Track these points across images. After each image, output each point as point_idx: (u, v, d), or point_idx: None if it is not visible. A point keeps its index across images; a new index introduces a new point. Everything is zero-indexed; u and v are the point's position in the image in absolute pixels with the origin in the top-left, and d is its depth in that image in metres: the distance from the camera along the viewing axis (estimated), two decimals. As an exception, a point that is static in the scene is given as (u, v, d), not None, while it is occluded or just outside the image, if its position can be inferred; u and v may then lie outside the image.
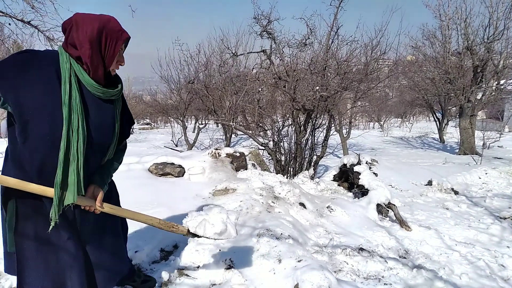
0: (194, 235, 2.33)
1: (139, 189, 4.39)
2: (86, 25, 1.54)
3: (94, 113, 1.64)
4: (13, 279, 2.47)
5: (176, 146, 15.23)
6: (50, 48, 7.72)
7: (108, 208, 1.77)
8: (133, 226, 3.22)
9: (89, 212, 1.73)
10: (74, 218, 1.74)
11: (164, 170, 5.27)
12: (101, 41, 1.57)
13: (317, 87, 5.97)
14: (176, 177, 5.24)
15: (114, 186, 2.06)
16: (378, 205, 4.91)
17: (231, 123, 8.67)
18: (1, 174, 1.62)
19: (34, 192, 1.56)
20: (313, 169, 6.54)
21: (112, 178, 1.94)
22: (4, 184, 1.55)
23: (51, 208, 1.56)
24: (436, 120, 18.88)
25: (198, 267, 2.83)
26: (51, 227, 1.57)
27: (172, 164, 5.35)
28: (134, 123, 2.06)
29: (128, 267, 2.18)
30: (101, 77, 1.63)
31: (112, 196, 1.99)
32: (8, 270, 1.86)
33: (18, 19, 7.02)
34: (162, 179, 5.13)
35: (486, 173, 7.78)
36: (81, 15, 1.58)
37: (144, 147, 15.38)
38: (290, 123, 6.87)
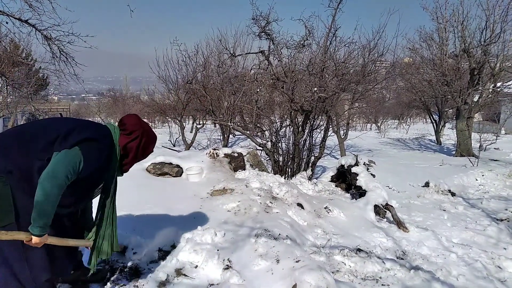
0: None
1: (136, 189, 4.37)
2: (151, 145, 2.27)
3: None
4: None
5: (174, 146, 15.21)
6: (48, 47, 7.69)
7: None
8: (131, 226, 3.22)
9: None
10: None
11: (162, 170, 5.25)
12: (142, 151, 2.25)
13: (315, 88, 5.97)
14: (174, 177, 5.22)
15: None
16: (375, 206, 4.92)
17: (229, 124, 8.67)
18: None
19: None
20: (311, 170, 6.54)
21: None
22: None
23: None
24: (433, 122, 18.94)
25: (196, 267, 2.83)
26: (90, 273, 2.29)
27: (170, 164, 5.33)
28: None
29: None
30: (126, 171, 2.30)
31: None
32: None
33: (15, 18, 6.98)
34: (160, 179, 5.12)
35: (482, 175, 7.82)
36: (149, 132, 2.24)
37: (142, 147, 15.30)
38: (288, 124, 6.87)
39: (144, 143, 2.21)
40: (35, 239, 1.80)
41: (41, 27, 7.34)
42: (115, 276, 2.64)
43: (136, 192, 4.19)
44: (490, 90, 12.55)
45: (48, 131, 1.95)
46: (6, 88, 13.89)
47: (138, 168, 5.32)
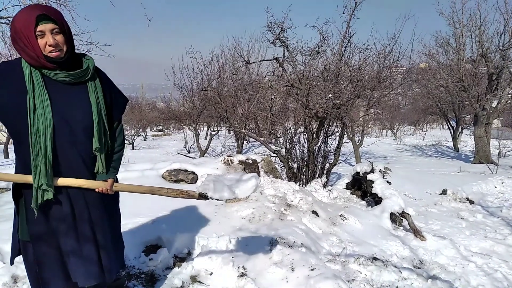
0: (205, 197, 2.21)
1: (152, 195, 4.41)
2: (15, 23, 1.59)
3: (64, 100, 1.69)
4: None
5: (189, 152, 15.36)
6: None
7: (117, 187, 1.91)
8: (147, 233, 3.26)
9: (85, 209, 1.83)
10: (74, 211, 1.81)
11: (177, 176, 5.31)
12: (20, 38, 1.58)
13: (330, 95, 5.96)
14: (189, 183, 5.27)
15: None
16: (391, 214, 4.86)
17: (243, 130, 8.71)
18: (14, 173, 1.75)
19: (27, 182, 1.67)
20: (326, 177, 6.51)
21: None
22: (7, 180, 1.72)
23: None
24: (450, 128, 18.64)
25: (211, 274, 2.84)
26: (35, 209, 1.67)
27: (186, 170, 5.39)
28: (127, 100, 2.08)
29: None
30: (48, 65, 1.63)
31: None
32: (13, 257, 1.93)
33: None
34: (175, 185, 5.17)
35: (502, 183, 7.63)
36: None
37: (157, 153, 15.57)
38: (302, 130, 6.86)
39: (11, 29, 1.63)
40: None
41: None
42: (131, 282, 2.68)
43: (151, 198, 4.23)
44: (509, 95, 12.31)
45: None
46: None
47: (154, 174, 5.39)
